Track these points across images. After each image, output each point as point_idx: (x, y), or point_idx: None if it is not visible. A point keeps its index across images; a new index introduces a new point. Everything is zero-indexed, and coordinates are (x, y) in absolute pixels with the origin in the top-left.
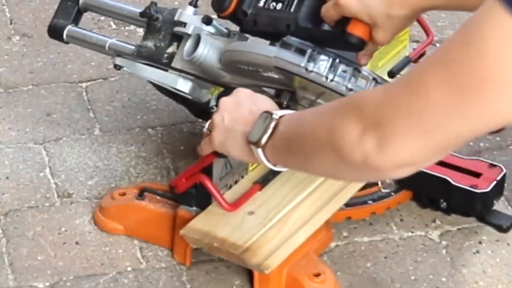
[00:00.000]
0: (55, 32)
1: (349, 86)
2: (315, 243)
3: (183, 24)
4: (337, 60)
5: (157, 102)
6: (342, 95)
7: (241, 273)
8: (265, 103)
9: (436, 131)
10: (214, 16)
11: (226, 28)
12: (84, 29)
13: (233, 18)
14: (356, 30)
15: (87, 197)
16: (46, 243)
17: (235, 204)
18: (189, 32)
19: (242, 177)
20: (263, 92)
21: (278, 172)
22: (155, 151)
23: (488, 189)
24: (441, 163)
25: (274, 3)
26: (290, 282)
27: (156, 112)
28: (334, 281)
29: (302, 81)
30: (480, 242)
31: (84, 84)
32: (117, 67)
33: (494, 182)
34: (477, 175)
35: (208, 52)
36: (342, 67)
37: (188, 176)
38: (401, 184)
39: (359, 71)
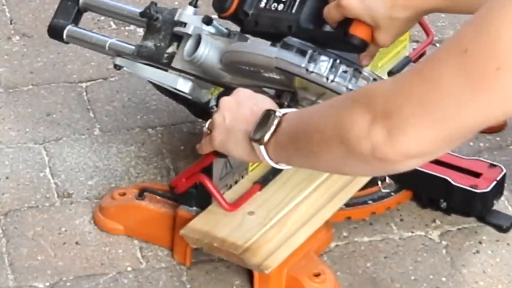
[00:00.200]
0: (55, 32)
1: (350, 86)
2: (315, 243)
3: (183, 24)
4: (338, 61)
5: (157, 102)
6: None
7: (241, 273)
8: (265, 103)
9: (448, 121)
10: (214, 16)
11: (226, 28)
12: (84, 29)
13: (234, 19)
14: (358, 32)
15: (87, 197)
16: (46, 243)
17: (235, 204)
18: (189, 32)
19: (242, 177)
20: (263, 93)
21: (278, 172)
22: (155, 151)
23: (488, 189)
24: (441, 163)
25: (275, 4)
26: (290, 282)
27: (156, 112)
28: (334, 281)
29: (303, 82)
30: (480, 242)
31: (84, 84)
32: (117, 67)
33: (494, 182)
34: (477, 175)
35: (209, 52)
36: (342, 67)
37: (188, 176)
38: (401, 184)
39: (360, 72)
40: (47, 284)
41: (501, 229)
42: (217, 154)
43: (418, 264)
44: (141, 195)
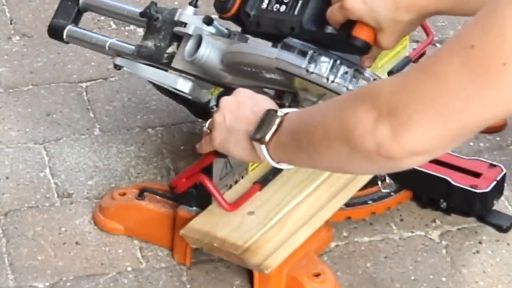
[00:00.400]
0: (55, 32)
1: (350, 87)
2: (315, 243)
3: (184, 24)
4: (338, 62)
5: (157, 102)
6: None
7: (241, 273)
8: (266, 103)
9: (453, 117)
10: (214, 16)
11: (227, 29)
12: (84, 29)
13: (235, 20)
14: (361, 34)
15: (87, 197)
16: (46, 243)
17: (235, 204)
18: (190, 32)
19: (242, 177)
20: (264, 93)
21: (278, 172)
22: (155, 151)
23: (488, 189)
24: (441, 163)
25: (277, 5)
26: (290, 282)
27: (156, 112)
28: (334, 281)
29: (303, 83)
30: (480, 242)
31: (84, 84)
32: (117, 67)
33: (494, 182)
34: (477, 175)
35: (210, 53)
36: (343, 68)
37: (188, 176)
38: (401, 184)
39: (360, 73)
40: (47, 284)
41: (501, 229)
42: (217, 154)
43: (418, 264)
44: (141, 195)
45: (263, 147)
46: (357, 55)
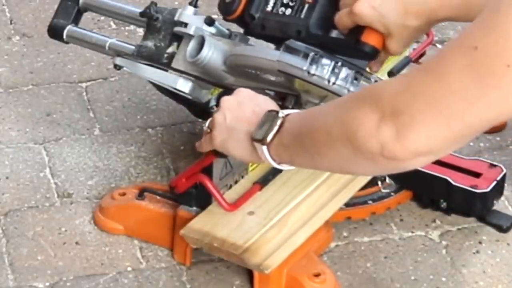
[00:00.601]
0: (55, 32)
1: (351, 89)
2: (315, 243)
3: (184, 24)
4: (339, 64)
5: (157, 102)
6: None
7: (241, 273)
8: (267, 103)
9: (457, 118)
10: (215, 16)
11: (227, 29)
12: (84, 29)
13: (240, 22)
14: (370, 39)
15: (87, 197)
16: (46, 243)
17: (235, 204)
18: (191, 32)
19: (242, 177)
20: (265, 94)
21: (278, 172)
22: (155, 151)
23: (488, 189)
24: (441, 163)
25: (283, 8)
26: (290, 282)
27: (156, 112)
28: (334, 281)
29: (304, 84)
30: (480, 242)
31: (84, 84)
32: (117, 67)
33: (494, 182)
34: (477, 175)
35: (213, 54)
36: (344, 70)
37: (188, 176)
38: (401, 184)
39: (362, 74)
40: (47, 284)
41: (501, 229)
42: (217, 154)
43: (418, 264)
44: (141, 195)
45: (264, 147)
46: (364, 60)
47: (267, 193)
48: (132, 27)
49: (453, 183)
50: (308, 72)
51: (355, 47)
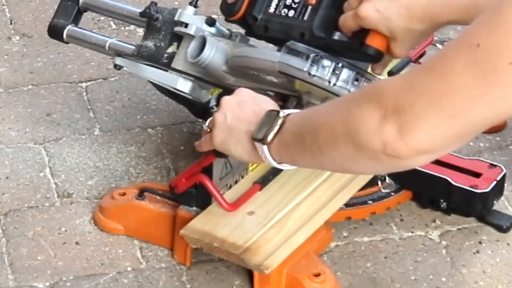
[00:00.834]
0: (55, 32)
1: (352, 90)
2: (315, 243)
3: (184, 24)
4: (340, 65)
5: (157, 102)
6: None
7: (241, 273)
8: (267, 103)
9: (459, 116)
10: (215, 16)
11: (228, 29)
12: (84, 29)
13: (242, 23)
14: (374, 42)
15: (87, 197)
16: (46, 243)
17: (235, 204)
18: (191, 33)
19: (242, 177)
20: (266, 95)
21: (278, 172)
22: (155, 151)
23: (488, 189)
24: (441, 163)
25: (285, 10)
26: (290, 282)
27: (156, 112)
28: (334, 281)
29: (306, 86)
30: (480, 242)
31: (84, 84)
32: (117, 67)
33: (494, 182)
34: (477, 175)
35: (214, 55)
36: (345, 71)
37: (188, 176)
38: (401, 184)
39: (362, 75)
40: (47, 284)
41: (501, 229)
42: (217, 154)
43: (418, 264)
44: (141, 195)
45: (264, 147)
46: (368, 63)
47: (267, 193)
48: (132, 27)
49: (453, 183)
50: (309, 73)
51: (359, 50)
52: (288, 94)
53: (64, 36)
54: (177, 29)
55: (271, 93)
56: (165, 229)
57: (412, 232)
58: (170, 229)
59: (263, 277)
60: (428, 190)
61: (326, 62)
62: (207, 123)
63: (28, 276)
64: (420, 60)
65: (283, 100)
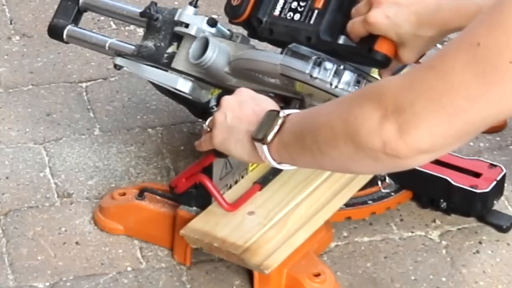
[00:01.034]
0: (55, 32)
1: None
2: (315, 243)
3: (185, 25)
4: (342, 67)
5: (157, 102)
6: None
7: (241, 273)
8: (268, 103)
9: (460, 115)
10: (215, 16)
11: (228, 30)
12: (84, 29)
13: (246, 25)
14: (383, 48)
15: (87, 197)
16: (46, 243)
17: (235, 204)
18: (192, 33)
19: (242, 177)
20: (267, 96)
21: (278, 172)
22: (155, 151)
23: (488, 189)
24: (441, 163)
25: (291, 13)
26: (290, 282)
27: (156, 112)
28: (334, 281)
29: (307, 88)
30: (480, 242)
31: (84, 84)
32: (117, 67)
33: (494, 182)
34: (477, 175)
35: (216, 56)
36: (347, 73)
37: (188, 176)
38: (401, 184)
39: (364, 78)
40: (47, 284)
41: (501, 229)
42: (217, 154)
43: (418, 264)
44: (141, 195)
45: (264, 147)
46: (376, 68)
47: (267, 193)
48: (132, 27)
49: (453, 183)
50: (311, 76)
51: (367, 56)
52: (290, 96)
53: (64, 36)
54: (178, 29)
55: (273, 95)
56: (165, 229)
57: (412, 232)
58: (170, 229)
59: (263, 277)
60: (428, 190)
61: (328, 65)
62: (207, 122)
63: (28, 276)
64: (420, 60)
65: (285, 102)
